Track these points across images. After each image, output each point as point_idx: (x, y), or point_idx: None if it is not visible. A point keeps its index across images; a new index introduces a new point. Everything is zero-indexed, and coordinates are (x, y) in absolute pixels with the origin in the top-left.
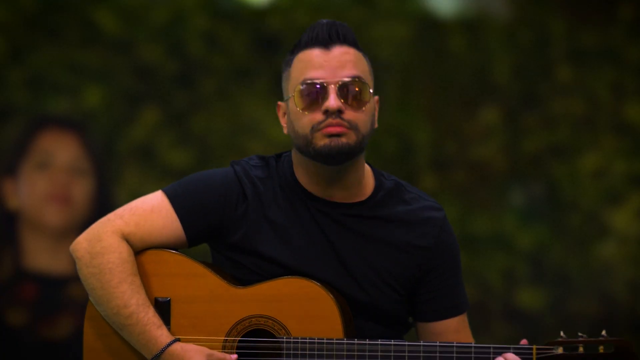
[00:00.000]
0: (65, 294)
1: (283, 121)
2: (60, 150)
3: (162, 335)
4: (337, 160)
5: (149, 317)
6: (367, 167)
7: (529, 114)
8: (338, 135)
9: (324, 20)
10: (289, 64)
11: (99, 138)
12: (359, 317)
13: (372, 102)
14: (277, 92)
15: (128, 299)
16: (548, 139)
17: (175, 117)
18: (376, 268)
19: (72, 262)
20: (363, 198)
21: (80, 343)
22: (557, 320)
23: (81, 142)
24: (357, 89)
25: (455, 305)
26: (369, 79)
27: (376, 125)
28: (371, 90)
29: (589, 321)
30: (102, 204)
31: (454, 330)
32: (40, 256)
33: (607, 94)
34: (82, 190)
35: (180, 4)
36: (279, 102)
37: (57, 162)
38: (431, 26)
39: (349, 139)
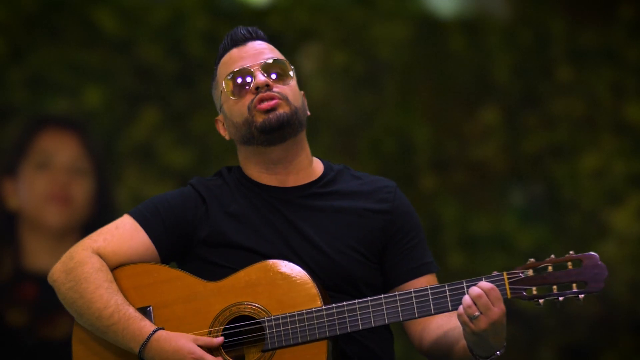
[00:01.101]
0: None
1: (223, 130)
2: (60, 150)
3: (145, 325)
4: (281, 134)
5: (130, 312)
6: (314, 158)
7: (529, 114)
8: (273, 109)
9: (238, 26)
10: (214, 75)
11: (99, 138)
12: (335, 290)
13: (296, 84)
14: None
15: (107, 300)
16: (548, 139)
17: (175, 117)
18: (342, 238)
19: None
20: (314, 178)
21: None
22: (557, 320)
23: (81, 142)
24: (279, 66)
25: (424, 263)
26: (287, 62)
27: (308, 113)
28: (293, 72)
29: (588, 321)
30: (102, 204)
31: None
32: (40, 256)
33: (607, 94)
34: (82, 190)
35: (180, 4)
36: (216, 118)
37: (57, 162)
38: (431, 26)
39: (284, 108)
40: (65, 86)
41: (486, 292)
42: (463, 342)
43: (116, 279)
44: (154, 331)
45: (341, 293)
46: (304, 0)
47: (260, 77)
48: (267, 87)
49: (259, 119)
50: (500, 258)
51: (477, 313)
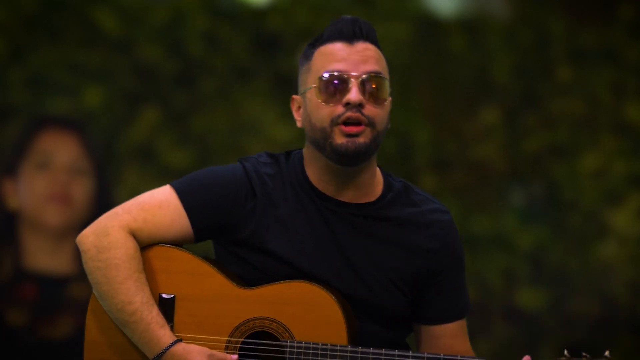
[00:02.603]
0: (65, 294)
1: (297, 115)
2: (60, 150)
3: (164, 335)
4: (352, 161)
5: (153, 315)
6: (378, 171)
7: (529, 114)
8: (356, 135)
9: (348, 16)
10: (308, 57)
11: (99, 138)
12: (363, 317)
13: (389, 101)
14: (277, 92)
15: (133, 295)
16: (548, 139)
17: (175, 117)
18: (383, 268)
19: (72, 262)
20: (372, 199)
21: (80, 343)
22: (557, 320)
23: (81, 142)
24: (378, 85)
25: (457, 309)
26: (388, 77)
27: (389, 126)
28: (390, 89)
29: (588, 321)
30: (102, 204)
31: (453, 334)
32: (40, 256)
33: (607, 94)
34: (82, 190)
35: (180, 4)
36: (294, 96)
37: (57, 162)
38: (431, 26)
39: (366, 137)
40: (65, 86)
41: None
42: None
43: (147, 257)
44: (171, 344)
45: (366, 319)
46: (304, 0)
47: (355, 95)
48: (359, 106)
49: (338, 140)
50: (500, 258)
51: None
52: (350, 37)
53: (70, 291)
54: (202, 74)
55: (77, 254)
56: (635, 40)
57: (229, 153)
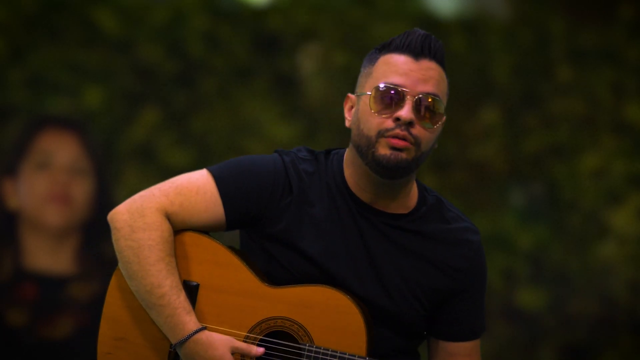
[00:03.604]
0: (65, 294)
1: (348, 114)
2: (60, 150)
3: (190, 321)
4: (391, 174)
5: (180, 300)
6: (414, 183)
7: (529, 114)
8: (400, 149)
9: (421, 31)
10: (372, 61)
11: (99, 138)
12: (381, 325)
13: (441, 124)
14: (277, 92)
15: (163, 279)
16: (548, 139)
17: (175, 117)
18: (408, 280)
19: (72, 262)
20: (406, 211)
21: (79, 343)
22: (557, 320)
23: (81, 142)
24: (432, 107)
25: (474, 329)
26: (444, 100)
27: (436, 146)
28: (442, 116)
29: (588, 321)
30: (102, 204)
31: (466, 353)
32: (40, 256)
33: (607, 94)
34: (82, 190)
35: (180, 4)
36: (349, 94)
37: (57, 162)
38: (431, 26)
39: (409, 155)
40: (65, 86)
41: None
42: None
43: (176, 242)
44: (196, 331)
45: (382, 326)
46: (304, 0)
47: (407, 113)
48: (409, 124)
49: (381, 150)
50: (500, 258)
51: None
52: (417, 52)
53: (70, 291)
54: (202, 74)
55: (77, 254)
56: (635, 40)
57: (229, 153)
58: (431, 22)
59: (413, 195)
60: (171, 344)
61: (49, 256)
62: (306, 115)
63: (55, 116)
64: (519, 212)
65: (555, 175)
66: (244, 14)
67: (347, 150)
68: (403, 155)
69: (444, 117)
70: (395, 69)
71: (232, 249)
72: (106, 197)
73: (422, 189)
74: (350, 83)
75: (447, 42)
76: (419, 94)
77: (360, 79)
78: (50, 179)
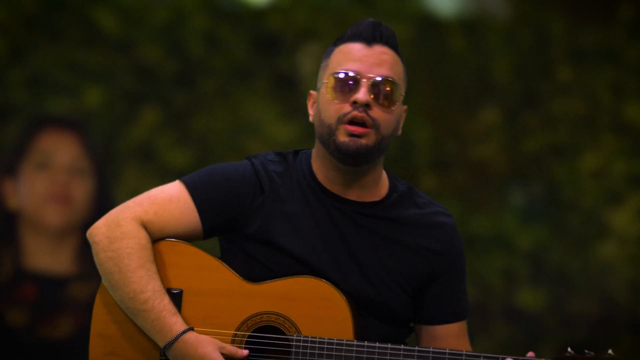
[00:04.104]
0: (65, 294)
1: (311, 109)
2: (60, 150)
3: (176, 323)
4: (353, 161)
5: (165, 304)
6: (383, 173)
7: (529, 114)
8: (359, 136)
9: (370, 20)
10: (328, 54)
11: (99, 138)
12: (366, 314)
13: (400, 108)
14: (277, 92)
15: (145, 284)
16: (548, 139)
17: (175, 117)
18: (388, 267)
19: (72, 262)
20: (377, 199)
21: (79, 343)
22: (557, 320)
23: (81, 142)
24: (388, 89)
25: (458, 311)
26: (401, 84)
27: (399, 133)
28: (402, 95)
29: (588, 321)
30: (102, 204)
31: (454, 335)
32: (40, 256)
33: (607, 94)
34: (82, 190)
35: (180, 4)
36: (311, 91)
37: (57, 162)
38: (431, 26)
39: (369, 140)
40: (65, 86)
41: None
42: None
43: (155, 251)
44: (183, 332)
45: (368, 315)
46: (304, 0)
47: (363, 95)
48: (366, 106)
49: (341, 137)
50: (500, 258)
51: None
52: (369, 39)
53: (70, 291)
54: (202, 74)
55: (77, 254)
56: (635, 40)
57: (229, 153)
58: (431, 22)
59: (383, 183)
60: (161, 351)
61: (49, 256)
62: (306, 115)
63: (55, 116)
64: (519, 212)
65: (555, 175)
66: (244, 14)
67: (314, 147)
68: (362, 141)
69: (403, 101)
70: (349, 55)
71: (212, 254)
72: (106, 197)
73: (392, 178)
74: None
75: (447, 42)
76: (374, 77)
77: (319, 74)
78: (50, 179)
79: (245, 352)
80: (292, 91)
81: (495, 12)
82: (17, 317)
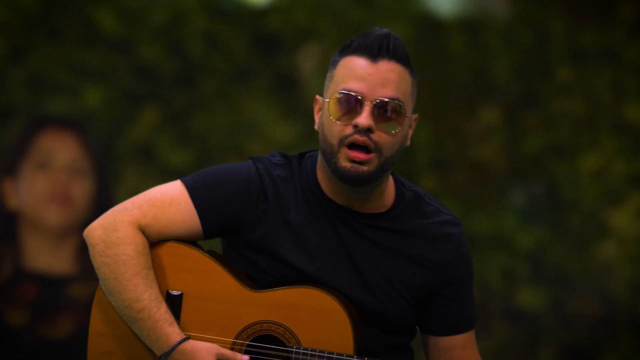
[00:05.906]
0: (65, 293)
1: (317, 116)
2: (60, 150)
3: (173, 332)
4: (355, 184)
5: (161, 312)
6: (390, 179)
7: (529, 114)
8: (360, 162)
9: (379, 31)
10: (334, 64)
11: (99, 138)
12: (369, 325)
13: (406, 125)
14: (277, 92)
15: (141, 292)
16: (548, 139)
17: (175, 117)
18: (391, 279)
19: (72, 262)
20: (383, 209)
21: (79, 343)
22: (557, 320)
23: (81, 142)
24: (392, 111)
25: (465, 321)
26: (408, 100)
27: (408, 144)
28: (408, 115)
29: (588, 321)
30: (102, 204)
31: (461, 346)
32: (40, 256)
33: (607, 94)
34: (82, 190)
35: (180, 4)
36: (317, 97)
37: (57, 162)
38: (431, 26)
39: (370, 166)
40: (65, 86)
41: None
42: None
43: (157, 253)
44: (180, 342)
45: (370, 326)
46: (304, 0)
47: (364, 119)
48: (368, 130)
49: (342, 162)
50: (500, 258)
51: None
52: (375, 54)
53: (70, 291)
54: (202, 74)
55: (77, 254)
56: (635, 40)
57: (229, 153)
58: (431, 22)
59: (389, 193)
60: (157, 356)
61: (49, 256)
62: (306, 115)
63: (55, 116)
64: (519, 212)
65: (555, 175)
66: (244, 14)
67: (319, 156)
68: (364, 168)
69: (409, 118)
70: (353, 73)
71: (212, 254)
72: (106, 197)
73: (399, 185)
74: None
75: (447, 42)
76: (377, 99)
77: (326, 82)
78: (50, 179)
79: (246, 357)
80: (292, 91)
81: (495, 12)
82: (17, 317)
